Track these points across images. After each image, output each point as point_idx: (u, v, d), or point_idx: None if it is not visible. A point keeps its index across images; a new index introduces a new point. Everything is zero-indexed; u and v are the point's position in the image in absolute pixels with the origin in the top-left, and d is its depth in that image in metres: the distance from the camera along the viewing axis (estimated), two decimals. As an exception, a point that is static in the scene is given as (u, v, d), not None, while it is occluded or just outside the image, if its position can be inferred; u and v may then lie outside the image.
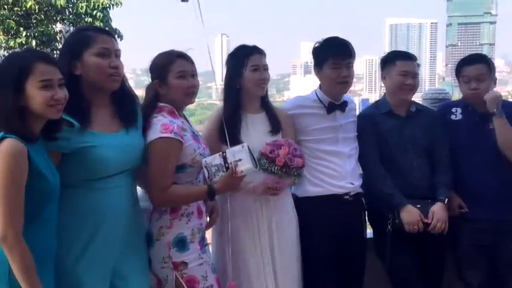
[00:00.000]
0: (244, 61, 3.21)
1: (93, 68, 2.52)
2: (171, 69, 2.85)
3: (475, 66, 3.62)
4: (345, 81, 3.46)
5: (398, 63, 3.61)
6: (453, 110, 3.76)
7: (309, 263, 3.43)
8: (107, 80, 2.56)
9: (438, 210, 3.46)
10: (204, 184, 2.90)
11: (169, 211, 2.82)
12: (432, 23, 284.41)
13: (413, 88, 3.60)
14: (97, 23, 12.55)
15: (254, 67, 3.22)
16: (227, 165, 2.78)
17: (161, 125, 2.72)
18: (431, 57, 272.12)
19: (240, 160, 2.78)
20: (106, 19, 13.30)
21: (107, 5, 13.35)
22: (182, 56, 2.89)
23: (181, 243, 2.80)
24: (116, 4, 13.49)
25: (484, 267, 3.63)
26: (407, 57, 3.66)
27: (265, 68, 3.29)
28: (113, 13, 13.65)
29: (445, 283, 3.76)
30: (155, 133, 2.70)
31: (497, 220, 3.59)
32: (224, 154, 2.80)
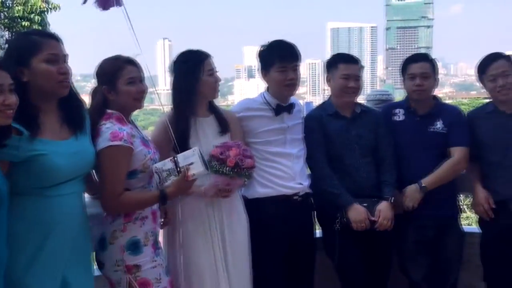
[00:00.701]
0: (200, 66, 3.21)
1: (42, 75, 2.47)
2: (121, 75, 2.83)
3: (420, 64, 3.75)
4: (292, 84, 3.52)
5: (341, 66, 3.68)
6: (396, 111, 3.88)
7: (260, 263, 3.46)
8: (56, 87, 2.52)
9: (383, 209, 3.56)
10: (156, 189, 2.91)
11: (123, 215, 2.82)
12: (372, 27, 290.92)
13: (356, 90, 3.67)
14: (35, 27, 12.23)
15: (210, 72, 3.25)
16: (178, 169, 2.81)
17: (110, 133, 2.71)
18: (371, 60, 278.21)
19: (191, 163, 2.82)
20: (44, 23, 13.00)
21: (45, 9, 13.04)
22: (130, 62, 2.88)
23: (134, 246, 2.81)
24: (53, 8, 13.20)
25: (426, 262, 3.74)
26: (349, 60, 3.72)
27: (217, 71, 3.32)
28: (51, 17, 13.36)
29: (391, 279, 3.86)
30: (104, 141, 2.69)
31: (439, 216, 3.73)
32: (175, 158, 2.83)
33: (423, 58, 3.80)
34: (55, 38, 2.54)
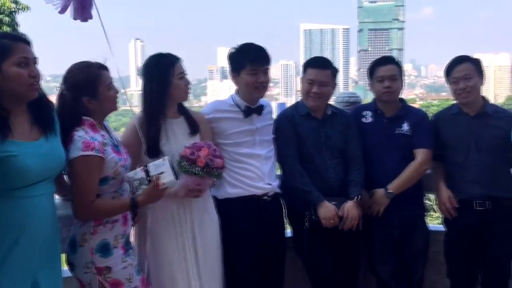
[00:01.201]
0: (170, 70, 3.24)
1: (13, 79, 2.48)
2: (101, 82, 2.86)
3: (389, 67, 3.86)
4: (263, 86, 3.58)
5: (308, 71, 3.76)
6: (364, 113, 3.98)
7: (233, 262, 3.53)
8: (27, 90, 2.53)
9: (349, 208, 3.64)
10: (128, 197, 2.97)
11: None
12: (344, 28, 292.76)
13: (320, 96, 3.72)
14: (4, 28, 12.09)
15: (181, 75, 3.29)
16: (149, 178, 2.87)
17: (82, 142, 2.73)
18: (344, 61, 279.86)
19: (162, 173, 2.88)
20: (13, 24, 12.84)
21: (14, 10, 12.89)
22: (103, 68, 2.91)
23: (104, 249, 2.85)
24: (23, 8, 13.06)
25: (394, 260, 3.84)
26: (317, 65, 3.76)
27: (186, 73, 3.37)
28: (20, 17, 13.21)
29: (360, 277, 3.96)
30: (76, 150, 2.72)
31: (406, 216, 3.83)
32: (146, 168, 2.89)
33: (391, 61, 3.91)
34: (25, 41, 2.55)
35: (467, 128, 3.79)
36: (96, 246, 2.83)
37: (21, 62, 2.49)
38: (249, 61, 3.54)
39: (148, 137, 3.16)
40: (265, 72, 3.58)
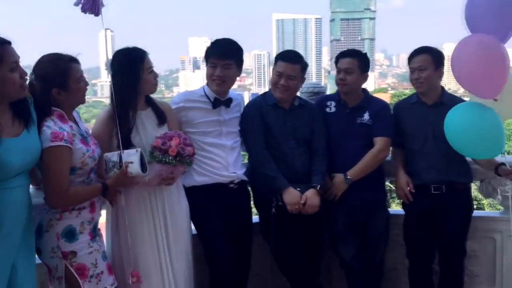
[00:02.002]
0: (140, 65, 3.33)
1: (8, 83, 2.61)
2: (71, 75, 2.95)
3: (347, 60, 4.01)
4: (219, 80, 3.72)
5: (278, 63, 3.90)
6: (328, 103, 4.15)
7: (207, 247, 3.71)
8: (19, 91, 2.67)
9: (310, 196, 3.79)
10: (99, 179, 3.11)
11: None
12: (316, 18, 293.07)
13: (287, 88, 3.85)
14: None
15: (150, 69, 3.39)
16: (121, 163, 3.03)
17: (51, 133, 2.82)
18: (316, 51, 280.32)
19: (131, 162, 3.03)
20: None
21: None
22: (74, 60, 3.00)
23: (70, 234, 2.96)
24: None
25: (356, 242, 4.04)
26: (287, 59, 3.88)
27: (154, 66, 3.47)
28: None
29: (324, 258, 4.17)
30: (46, 141, 2.81)
31: (367, 199, 4.04)
32: (120, 153, 3.05)
33: (350, 55, 4.05)
34: (9, 43, 2.64)
35: (424, 117, 4.00)
36: (62, 231, 2.94)
37: (14, 67, 2.61)
38: (212, 55, 3.74)
39: (120, 130, 3.24)
40: (225, 67, 3.71)
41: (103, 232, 3.34)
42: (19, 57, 2.65)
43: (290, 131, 3.92)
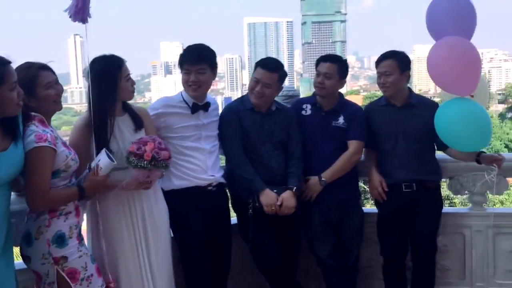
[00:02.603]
0: (118, 73, 3.41)
1: (8, 103, 2.69)
2: (39, 83, 3.01)
3: (327, 64, 4.14)
4: (195, 85, 3.80)
5: (257, 70, 4.00)
6: (304, 106, 4.28)
7: (184, 248, 3.80)
8: (16, 109, 2.75)
9: (286, 197, 3.91)
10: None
11: (48, 211, 3.01)
12: (288, 21, 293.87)
13: (262, 95, 3.96)
14: None
15: (127, 77, 3.47)
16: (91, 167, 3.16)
17: (35, 135, 2.88)
18: (288, 54, 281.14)
19: (99, 160, 3.15)
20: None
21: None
22: (44, 68, 3.07)
23: (60, 239, 3.01)
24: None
25: (332, 241, 4.17)
26: (265, 66, 3.97)
27: (131, 73, 3.55)
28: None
29: (301, 258, 4.27)
30: (30, 143, 2.86)
31: (342, 199, 4.17)
32: (89, 164, 3.20)
33: (331, 59, 4.18)
34: (10, 62, 2.70)
35: (394, 118, 4.16)
36: (52, 238, 2.98)
37: (13, 87, 2.69)
38: (185, 61, 3.83)
39: (99, 137, 3.31)
40: (200, 72, 3.79)
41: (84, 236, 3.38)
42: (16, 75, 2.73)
43: (267, 134, 4.02)
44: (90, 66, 3.40)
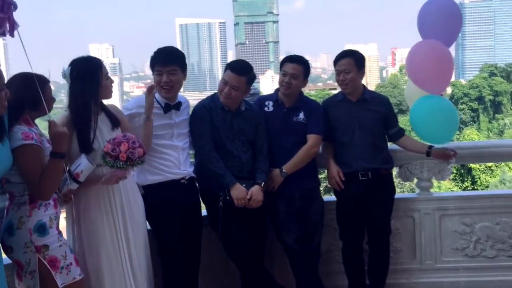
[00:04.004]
0: (99, 72, 3.57)
1: None
2: (45, 96, 3.13)
3: (294, 65, 4.40)
4: (166, 86, 3.99)
5: (226, 72, 4.21)
6: (266, 103, 4.54)
7: (161, 239, 4.00)
8: (2, 109, 2.87)
9: (255, 191, 4.18)
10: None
11: (28, 201, 3.16)
12: (220, 22, 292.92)
13: (229, 97, 4.16)
14: None
15: (107, 76, 3.65)
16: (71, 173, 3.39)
17: (22, 133, 3.04)
18: (222, 55, 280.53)
19: (79, 164, 3.36)
20: None
21: None
22: (48, 81, 3.27)
23: (41, 229, 3.16)
24: None
25: (296, 228, 4.44)
26: (234, 69, 4.17)
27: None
28: None
29: (268, 245, 4.57)
30: (18, 140, 3.02)
31: (304, 189, 4.47)
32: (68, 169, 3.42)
33: (298, 61, 4.44)
34: None
35: (350, 112, 4.49)
36: (34, 227, 3.13)
37: (2, 88, 2.82)
38: (156, 63, 4.01)
39: (82, 136, 3.47)
40: (171, 73, 3.97)
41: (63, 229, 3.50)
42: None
43: (236, 132, 4.25)
44: (71, 67, 3.55)
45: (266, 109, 4.51)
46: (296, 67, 4.39)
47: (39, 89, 3.06)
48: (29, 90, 3.10)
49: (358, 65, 4.45)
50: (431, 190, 4.99)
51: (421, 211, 4.88)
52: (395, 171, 4.97)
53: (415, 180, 4.95)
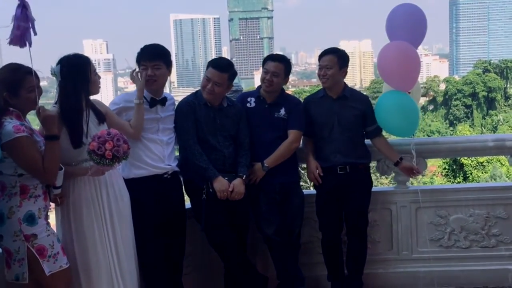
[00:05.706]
0: (88, 68, 3.69)
1: None
2: (23, 85, 3.32)
3: (275, 64, 4.56)
4: (151, 80, 4.13)
5: (209, 69, 4.33)
6: (249, 99, 4.70)
7: (142, 231, 4.07)
8: None
9: (237, 184, 4.34)
10: None
11: (19, 193, 3.32)
12: (214, 18, 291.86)
13: (212, 93, 4.30)
14: None
15: (95, 72, 3.77)
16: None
17: (13, 126, 3.19)
18: (217, 51, 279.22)
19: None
20: None
21: None
22: (30, 72, 3.35)
23: (31, 218, 3.32)
24: None
25: (277, 219, 4.61)
26: (216, 66, 4.32)
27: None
28: None
29: (250, 236, 4.73)
30: (9, 134, 3.17)
31: (285, 182, 4.65)
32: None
33: (280, 59, 4.61)
34: None
35: (330, 109, 4.67)
36: (23, 217, 3.29)
37: None
38: (141, 58, 4.17)
39: (73, 130, 3.60)
40: (155, 67, 4.13)
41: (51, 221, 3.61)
42: None
43: (219, 128, 4.40)
44: (61, 64, 3.66)
45: (248, 105, 4.66)
46: (278, 66, 4.55)
47: (19, 76, 3.28)
48: (9, 76, 3.29)
49: (340, 63, 4.62)
50: (408, 184, 5.15)
51: (397, 204, 5.06)
52: (373, 166, 5.15)
53: (392, 174, 5.12)
